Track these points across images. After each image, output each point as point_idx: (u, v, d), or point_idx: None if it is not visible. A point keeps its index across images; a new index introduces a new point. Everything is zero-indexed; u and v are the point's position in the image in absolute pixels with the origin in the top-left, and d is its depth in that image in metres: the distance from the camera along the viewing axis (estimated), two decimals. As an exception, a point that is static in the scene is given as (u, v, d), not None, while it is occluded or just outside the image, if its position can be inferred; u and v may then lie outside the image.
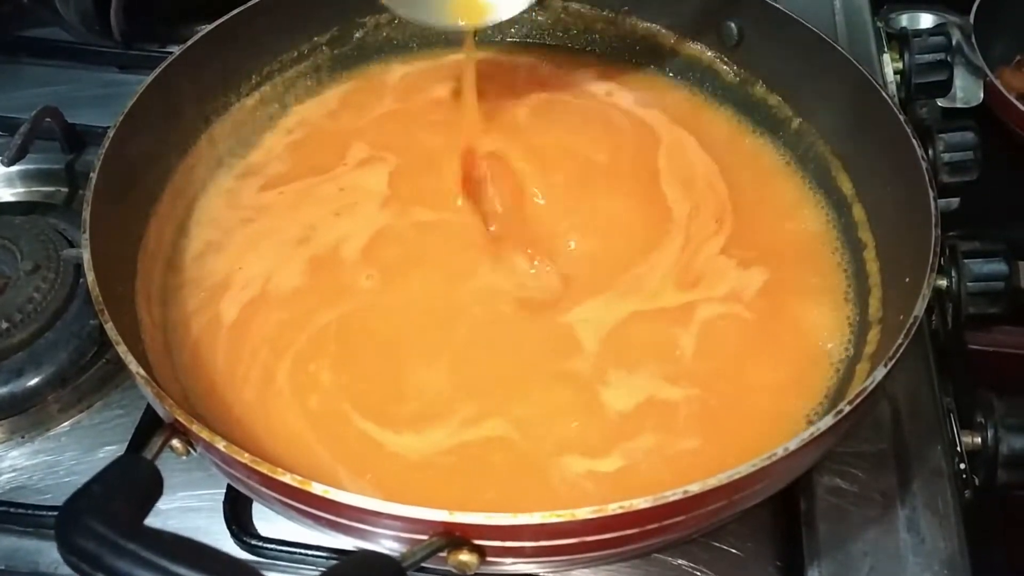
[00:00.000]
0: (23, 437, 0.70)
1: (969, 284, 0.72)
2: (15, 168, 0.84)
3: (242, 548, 0.63)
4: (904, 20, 1.08)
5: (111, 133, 0.62)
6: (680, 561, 0.63)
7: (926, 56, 0.91)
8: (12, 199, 0.86)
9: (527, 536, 0.45)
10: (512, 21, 0.83)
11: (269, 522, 0.64)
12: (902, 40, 0.94)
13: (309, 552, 0.62)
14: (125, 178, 0.63)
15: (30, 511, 0.65)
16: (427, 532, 0.45)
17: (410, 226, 0.70)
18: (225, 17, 0.72)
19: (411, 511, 0.44)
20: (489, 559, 0.46)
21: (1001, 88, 1.05)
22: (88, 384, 0.72)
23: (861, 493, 0.66)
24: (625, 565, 0.62)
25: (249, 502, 0.65)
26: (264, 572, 0.59)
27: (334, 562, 0.61)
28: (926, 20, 1.10)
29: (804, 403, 0.61)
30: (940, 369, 0.73)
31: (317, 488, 0.45)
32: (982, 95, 1.07)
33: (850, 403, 0.48)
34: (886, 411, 0.70)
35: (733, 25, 0.75)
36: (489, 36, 0.83)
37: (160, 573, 0.38)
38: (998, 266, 0.72)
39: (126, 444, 0.68)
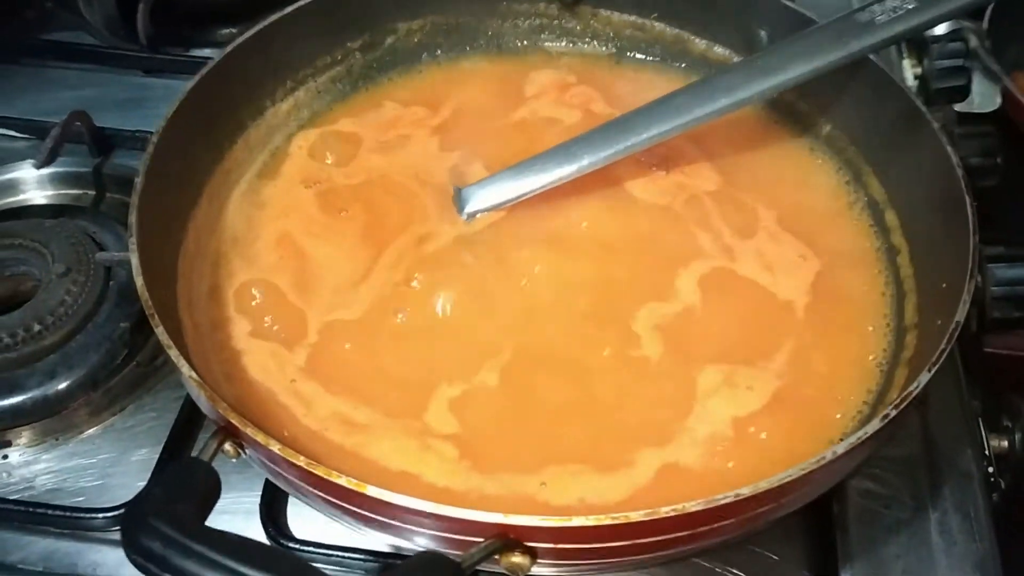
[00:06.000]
0: (56, 440, 0.70)
1: (994, 288, 0.72)
2: (45, 171, 0.85)
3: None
4: (920, 26, 1.08)
5: (155, 138, 0.62)
6: (715, 564, 0.63)
7: (944, 62, 0.92)
8: (43, 202, 0.86)
9: (579, 538, 0.46)
10: (543, 27, 0.84)
11: (305, 524, 0.65)
12: (920, 46, 0.95)
13: (345, 554, 0.63)
14: (165, 183, 0.64)
15: (67, 513, 0.65)
16: (481, 534, 0.45)
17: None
18: (262, 24, 0.72)
19: (466, 514, 0.44)
20: (541, 560, 0.47)
21: (1016, 93, 1.05)
22: (119, 387, 0.72)
23: (892, 496, 0.66)
24: (661, 567, 0.63)
25: (285, 505, 0.66)
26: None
27: (371, 564, 0.62)
28: (941, 26, 1.10)
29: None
30: (968, 373, 0.74)
31: (372, 491, 0.45)
32: (999, 100, 1.08)
33: (896, 407, 0.49)
34: (915, 415, 0.70)
35: (763, 33, 0.75)
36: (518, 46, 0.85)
37: (226, 573, 0.38)
38: (1022, 271, 0.73)
39: (160, 447, 0.68)
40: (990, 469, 0.69)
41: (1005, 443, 0.68)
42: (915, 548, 0.64)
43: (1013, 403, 0.69)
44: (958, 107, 1.02)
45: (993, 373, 0.85)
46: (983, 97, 1.09)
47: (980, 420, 0.71)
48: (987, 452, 0.69)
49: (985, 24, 1.09)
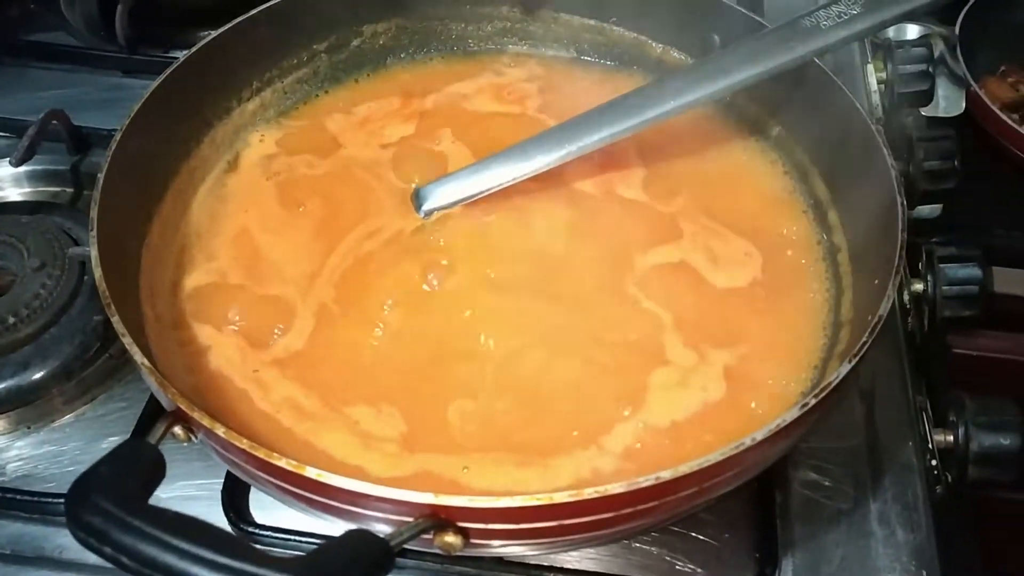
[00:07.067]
0: (29, 428, 0.72)
1: (944, 288, 0.74)
2: (22, 169, 0.87)
3: (239, 535, 0.65)
4: (890, 31, 1.10)
5: (118, 135, 0.64)
6: (660, 550, 0.65)
7: (909, 67, 0.93)
8: (19, 199, 0.88)
9: (507, 519, 0.48)
10: (505, 31, 0.86)
11: (265, 511, 0.67)
12: (886, 51, 0.96)
13: (303, 539, 0.65)
14: (130, 179, 0.65)
15: (35, 498, 0.67)
16: (414, 514, 0.47)
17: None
18: (229, 24, 0.74)
19: (398, 494, 0.46)
20: (473, 541, 0.49)
21: (984, 98, 1.07)
22: (92, 377, 0.75)
23: (834, 487, 0.69)
24: (607, 553, 0.65)
25: (246, 492, 0.68)
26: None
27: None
28: (912, 31, 1.12)
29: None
30: (915, 369, 0.76)
31: (311, 472, 0.47)
32: (964, 105, 1.10)
33: (815, 396, 0.51)
34: (859, 408, 0.72)
35: (716, 37, 0.77)
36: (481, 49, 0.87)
37: (162, 547, 0.40)
38: (973, 271, 0.74)
39: (128, 435, 0.70)
40: (933, 463, 0.71)
41: (950, 438, 0.69)
42: (854, 537, 0.67)
43: (958, 398, 0.70)
44: (925, 111, 1.04)
45: (957, 373, 0.87)
46: (949, 101, 1.11)
47: (924, 414, 0.73)
48: (931, 446, 0.71)
49: (956, 30, 1.11)
